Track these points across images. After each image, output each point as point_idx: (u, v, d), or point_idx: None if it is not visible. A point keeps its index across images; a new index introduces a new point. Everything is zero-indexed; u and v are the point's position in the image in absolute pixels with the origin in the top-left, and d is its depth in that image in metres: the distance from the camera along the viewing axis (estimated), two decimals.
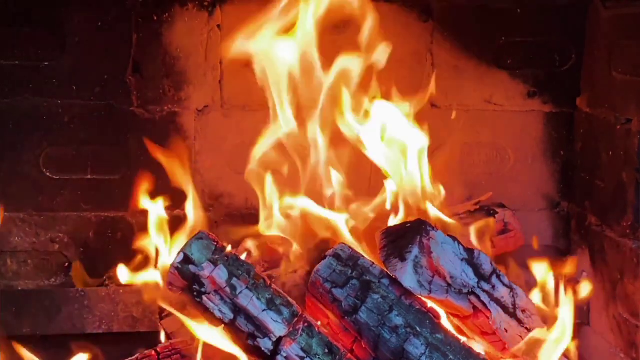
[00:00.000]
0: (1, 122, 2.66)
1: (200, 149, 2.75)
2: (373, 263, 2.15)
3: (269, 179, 2.45)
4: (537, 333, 2.17)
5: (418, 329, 2.07)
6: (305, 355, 2.02)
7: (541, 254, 2.83)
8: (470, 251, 2.17)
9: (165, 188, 2.71)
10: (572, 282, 2.41)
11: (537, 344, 2.17)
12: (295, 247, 2.41)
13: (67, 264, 2.73)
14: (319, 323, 2.11)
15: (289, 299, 2.07)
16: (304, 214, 2.42)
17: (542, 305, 2.31)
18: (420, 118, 2.52)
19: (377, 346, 2.07)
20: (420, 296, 2.11)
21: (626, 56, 2.53)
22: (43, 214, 2.70)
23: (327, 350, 2.04)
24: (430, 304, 2.13)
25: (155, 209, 2.37)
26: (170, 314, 2.35)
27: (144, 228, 2.72)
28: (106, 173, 2.73)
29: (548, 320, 2.24)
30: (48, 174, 2.70)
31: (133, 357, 2.25)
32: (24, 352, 2.40)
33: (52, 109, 2.68)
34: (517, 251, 2.69)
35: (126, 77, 2.70)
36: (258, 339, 2.01)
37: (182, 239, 2.28)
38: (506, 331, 2.15)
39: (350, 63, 2.44)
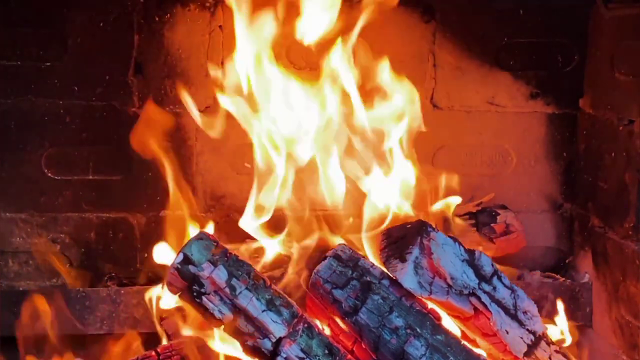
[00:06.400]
0: (3, 122, 2.66)
1: (202, 150, 2.75)
2: (373, 264, 2.15)
3: None
4: None
5: (418, 330, 2.06)
6: (305, 356, 2.01)
7: (543, 256, 2.84)
8: (471, 252, 2.17)
9: (167, 189, 2.71)
10: None
11: None
12: (297, 247, 2.40)
13: (68, 264, 2.74)
14: (319, 324, 2.10)
15: (289, 299, 2.06)
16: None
17: None
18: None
19: (378, 347, 2.07)
20: (420, 297, 2.11)
21: (629, 57, 2.52)
22: (44, 215, 2.70)
23: (327, 351, 2.03)
24: (430, 305, 2.12)
25: None
26: (170, 316, 2.35)
27: (144, 229, 2.73)
28: (108, 174, 2.72)
29: None
30: (49, 174, 2.70)
31: (133, 358, 2.25)
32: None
33: (54, 109, 2.68)
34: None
35: (128, 78, 2.70)
36: (258, 340, 2.01)
37: None
38: (507, 332, 2.14)
39: None
